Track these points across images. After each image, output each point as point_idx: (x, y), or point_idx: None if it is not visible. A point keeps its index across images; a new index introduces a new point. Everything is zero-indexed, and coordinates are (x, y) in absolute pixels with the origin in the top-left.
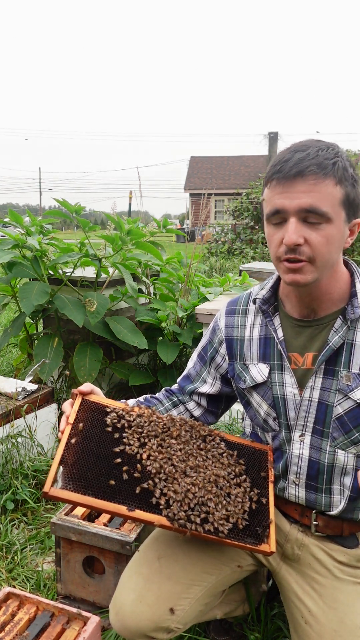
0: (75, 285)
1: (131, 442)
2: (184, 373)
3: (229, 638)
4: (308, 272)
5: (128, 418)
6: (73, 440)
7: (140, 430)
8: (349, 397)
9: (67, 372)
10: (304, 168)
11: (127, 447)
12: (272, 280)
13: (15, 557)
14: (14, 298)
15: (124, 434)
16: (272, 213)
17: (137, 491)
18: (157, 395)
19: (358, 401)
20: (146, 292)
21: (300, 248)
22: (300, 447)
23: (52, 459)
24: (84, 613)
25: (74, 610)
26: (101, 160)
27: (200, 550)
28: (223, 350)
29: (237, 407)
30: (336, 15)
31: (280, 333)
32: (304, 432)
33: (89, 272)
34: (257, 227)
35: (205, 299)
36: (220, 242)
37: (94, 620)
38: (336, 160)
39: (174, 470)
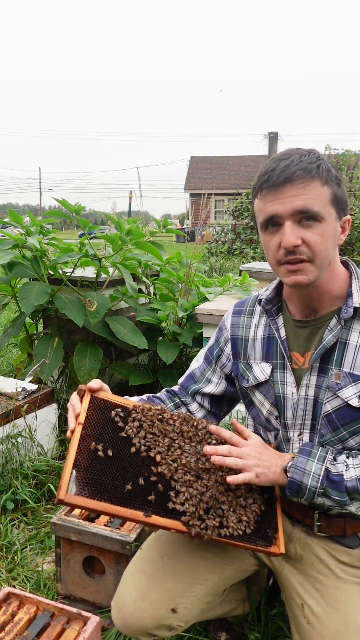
0: (75, 285)
1: (144, 443)
2: (187, 373)
3: (229, 637)
4: (309, 271)
5: (139, 417)
6: (85, 442)
7: (152, 430)
8: (338, 396)
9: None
10: (291, 174)
11: (141, 448)
12: (276, 281)
13: (15, 557)
14: (14, 298)
15: (137, 434)
16: (267, 220)
17: (153, 495)
18: (159, 395)
19: (346, 400)
20: (146, 292)
21: (299, 249)
22: (300, 446)
23: (53, 459)
24: (84, 613)
25: (74, 610)
26: (101, 160)
27: (204, 549)
28: (228, 349)
29: (238, 407)
30: (338, 15)
31: (282, 332)
32: (302, 430)
33: (89, 272)
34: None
35: (205, 299)
36: (220, 242)
37: (94, 620)
38: (319, 163)
39: (187, 473)
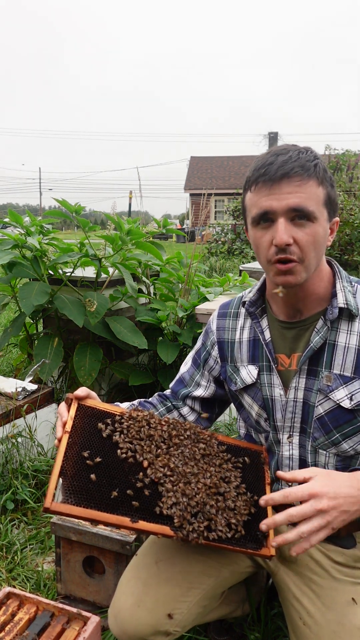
0: (75, 285)
1: (131, 449)
2: (177, 377)
3: (229, 638)
4: (298, 272)
5: (126, 424)
6: (71, 450)
7: (140, 436)
8: (329, 398)
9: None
10: (289, 170)
11: (128, 454)
12: (259, 282)
13: (15, 557)
14: (14, 298)
15: (124, 441)
16: (260, 215)
17: (140, 501)
18: (150, 399)
19: (338, 402)
20: (146, 292)
21: (289, 248)
22: (290, 448)
23: (53, 459)
24: (84, 613)
25: (74, 610)
26: (101, 160)
27: (199, 553)
28: (215, 352)
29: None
30: (337, 14)
31: (267, 335)
32: (292, 433)
33: (89, 272)
34: None
35: (205, 299)
36: (220, 242)
37: (94, 620)
38: (317, 162)
39: (175, 478)
